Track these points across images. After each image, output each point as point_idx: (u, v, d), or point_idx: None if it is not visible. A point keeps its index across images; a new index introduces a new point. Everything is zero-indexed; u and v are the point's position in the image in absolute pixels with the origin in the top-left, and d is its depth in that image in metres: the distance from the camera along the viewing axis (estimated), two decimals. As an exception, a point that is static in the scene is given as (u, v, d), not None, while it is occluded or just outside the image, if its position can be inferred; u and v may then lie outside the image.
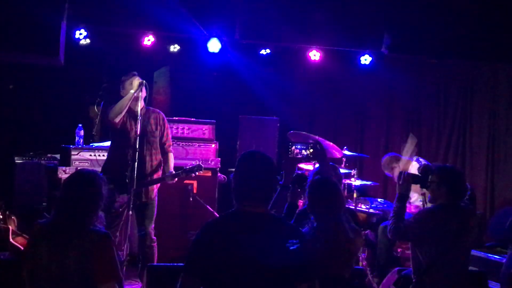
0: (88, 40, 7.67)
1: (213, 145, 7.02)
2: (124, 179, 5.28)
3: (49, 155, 7.36)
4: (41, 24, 6.23)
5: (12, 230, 5.69)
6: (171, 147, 5.77)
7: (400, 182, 4.30)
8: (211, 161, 6.91)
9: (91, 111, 8.16)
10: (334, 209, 3.81)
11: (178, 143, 6.87)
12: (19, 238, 5.64)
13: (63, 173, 6.52)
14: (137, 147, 5.26)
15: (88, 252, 3.08)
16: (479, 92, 9.06)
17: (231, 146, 8.06)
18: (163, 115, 5.71)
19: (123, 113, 5.37)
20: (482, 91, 9.03)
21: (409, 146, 6.76)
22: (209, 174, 6.88)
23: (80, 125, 7.22)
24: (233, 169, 3.03)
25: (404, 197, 4.29)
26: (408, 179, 4.30)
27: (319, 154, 4.30)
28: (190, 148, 6.95)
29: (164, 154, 5.69)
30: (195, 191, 6.72)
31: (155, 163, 5.58)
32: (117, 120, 5.36)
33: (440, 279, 4.03)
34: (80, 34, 7.52)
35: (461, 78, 9.13)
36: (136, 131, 5.34)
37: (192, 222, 6.56)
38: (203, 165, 5.68)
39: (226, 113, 8.23)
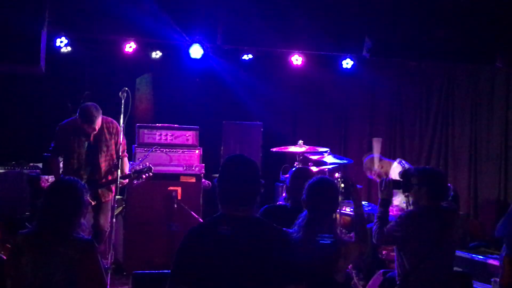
0: (69, 48, 7.63)
1: (197, 151, 7.01)
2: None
3: (31, 164, 7.29)
4: (21, 33, 6.18)
5: (-6, 240, 5.64)
6: (125, 152, 6.01)
7: (382, 188, 4.32)
8: (195, 167, 6.90)
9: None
10: (329, 210, 3.82)
11: (162, 149, 6.85)
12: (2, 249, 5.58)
13: (46, 182, 6.48)
14: (89, 153, 5.76)
15: (73, 260, 3.06)
16: (460, 93, 9.14)
17: (215, 151, 8.06)
18: (117, 124, 5.90)
19: None
20: (463, 92, 9.11)
21: (376, 148, 6.86)
22: (193, 180, 6.86)
23: (63, 133, 7.16)
24: (217, 175, 3.03)
25: (387, 202, 4.32)
26: (389, 184, 4.33)
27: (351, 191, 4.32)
28: (174, 155, 6.93)
29: (119, 159, 5.86)
30: (179, 197, 6.70)
31: (108, 167, 5.87)
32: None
33: (424, 281, 4.05)
34: (61, 42, 7.48)
35: (442, 80, 9.22)
36: (87, 145, 5.80)
37: (177, 228, 6.54)
38: (153, 167, 5.98)
39: (209, 119, 8.23)
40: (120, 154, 5.88)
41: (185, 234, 2.92)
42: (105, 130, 5.86)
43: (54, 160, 5.98)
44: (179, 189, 6.73)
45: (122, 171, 5.79)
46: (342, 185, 4.24)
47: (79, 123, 5.74)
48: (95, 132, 5.76)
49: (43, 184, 6.48)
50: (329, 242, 3.66)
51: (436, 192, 4.21)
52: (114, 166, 5.82)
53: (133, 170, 5.91)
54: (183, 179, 6.85)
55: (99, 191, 5.82)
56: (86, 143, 5.81)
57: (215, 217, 2.97)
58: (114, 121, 5.95)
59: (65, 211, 3.16)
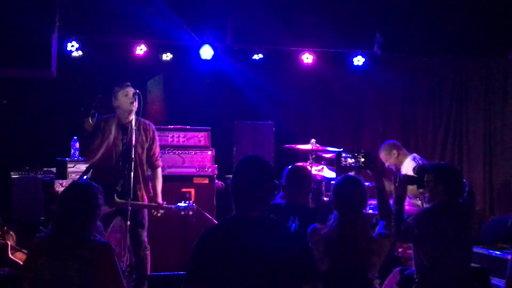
0: (80, 52, 7.66)
1: (209, 152, 6.99)
2: (109, 190, 5.09)
3: (45, 168, 7.33)
4: (31, 37, 6.21)
5: (10, 245, 5.66)
6: (158, 161, 5.63)
7: (396, 184, 4.29)
8: (208, 168, 6.89)
9: (85, 123, 8.10)
10: (355, 206, 3.81)
11: (174, 151, 6.83)
12: (18, 254, 5.61)
13: (60, 187, 6.48)
14: (132, 156, 5.16)
15: (89, 263, 3.05)
16: (473, 87, 9.08)
17: (228, 152, 8.04)
18: (154, 127, 5.59)
19: (100, 152, 5.28)
20: (476, 86, 9.05)
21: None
22: (207, 181, 6.85)
23: (75, 137, 7.19)
24: (230, 176, 3.02)
25: (401, 199, 4.27)
26: (404, 181, 4.29)
27: (371, 164, 4.30)
28: (187, 156, 6.91)
29: (153, 169, 5.58)
30: (193, 198, 6.69)
31: (142, 175, 5.45)
32: (94, 159, 5.33)
33: (443, 278, 4.02)
34: (72, 46, 7.51)
35: (455, 75, 9.16)
36: (125, 143, 5.30)
37: (191, 230, 6.53)
38: (195, 206, 5.59)
39: (221, 120, 8.21)
40: (153, 163, 5.57)
41: (199, 235, 2.92)
42: (142, 132, 5.43)
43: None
44: (192, 190, 6.71)
45: (154, 187, 5.53)
46: (362, 159, 4.22)
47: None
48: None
49: (57, 188, 6.48)
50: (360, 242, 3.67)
51: (453, 189, 4.18)
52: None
53: (176, 206, 5.50)
54: (196, 180, 6.83)
55: (138, 193, 5.35)
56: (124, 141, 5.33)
57: (229, 218, 2.97)
58: (152, 124, 5.59)
59: (80, 215, 3.16)
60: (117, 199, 5.20)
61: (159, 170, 5.64)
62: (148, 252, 5.49)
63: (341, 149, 6.90)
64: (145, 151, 5.46)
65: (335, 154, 6.95)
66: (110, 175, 5.25)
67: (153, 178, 5.58)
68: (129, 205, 5.10)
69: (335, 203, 3.80)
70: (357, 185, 3.85)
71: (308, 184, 4.61)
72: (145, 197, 5.51)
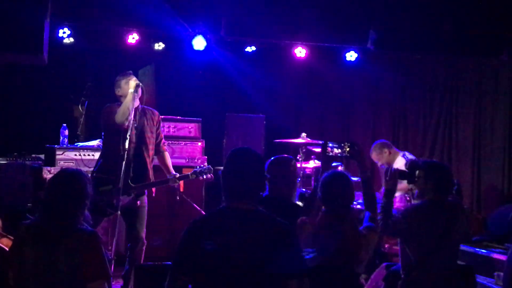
0: (71, 39, 7.61)
1: (200, 143, 6.99)
2: (125, 178, 5.13)
3: (33, 155, 7.26)
4: (24, 23, 6.16)
5: (-4, 231, 5.62)
6: (165, 146, 5.69)
7: (387, 178, 4.30)
8: (197, 159, 6.88)
9: (75, 111, 8.08)
10: (343, 201, 3.82)
11: (164, 141, 6.82)
12: (4, 240, 5.52)
13: (48, 173, 6.45)
14: (135, 143, 5.22)
15: (76, 251, 3.04)
16: (464, 86, 9.12)
17: (218, 144, 8.03)
18: (158, 114, 5.62)
19: (131, 115, 5.25)
20: (468, 85, 9.09)
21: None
22: (196, 172, 6.84)
23: (65, 124, 7.15)
24: (220, 167, 3.02)
25: (391, 193, 4.30)
26: (395, 175, 4.31)
27: (356, 154, 4.28)
28: (177, 147, 6.91)
29: (160, 153, 5.60)
30: (182, 189, 6.68)
31: (150, 162, 5.48)
32: (126, 123, 5.23)
33: (429, 274, 4.03)
34: (64, 33, 7.47)
35: (447, 73, 9.18)
36: (135, 127, 5.30)
37: (179, 221, 6.53)
38: (211, 167, 5.59)
39: (212, 111, 8.20)
40: (161, 147, 5.59)
41: (187, 226, 2.91)
42: (148, 119, 5.47)
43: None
44: (181, 181, 6.71)
45: (165, 164, 5.57)
46: (348, 149, 4.22)
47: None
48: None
49: (45, 175, 6.46)
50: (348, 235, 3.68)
51: (443, 186, 4.19)
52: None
53: (193, 171, 5.50)
54: (185, 171, 6.81)
55: (149, 176, 5.40)
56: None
57: (218, 209, 2.96)
58: (156, 111, 5.61)
59: (68, 203, 3.14)
60: (132, 185, 5.21)
61: (167, 154, 5.66)
62: (144, 248, 5.45)
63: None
64: (154, 135, 5.50)
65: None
66: (120, 162, 5.17)
67: (162, 158, 5.60)
68: (119, 196, 5.08)
69: (324, 198, 3.81)
70: (345, 180, 3.86)
71: (292, 176, 4.52)
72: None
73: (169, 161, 5.63)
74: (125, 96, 5.33)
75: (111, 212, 5.25)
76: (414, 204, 4.73)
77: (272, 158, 4.48)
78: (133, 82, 5.35)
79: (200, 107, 8.03)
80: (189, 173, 5.51)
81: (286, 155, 4.52)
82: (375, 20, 7.77)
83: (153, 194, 5.59)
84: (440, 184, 4.18)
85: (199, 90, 8.44)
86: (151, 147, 5.46)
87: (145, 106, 5.54)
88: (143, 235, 5.42)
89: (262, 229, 2.86)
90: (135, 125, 5.31)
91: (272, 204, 3.69)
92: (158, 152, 5.59)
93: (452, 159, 9.01)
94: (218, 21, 7.67)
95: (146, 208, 5.45)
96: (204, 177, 5.53)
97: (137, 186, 5.28)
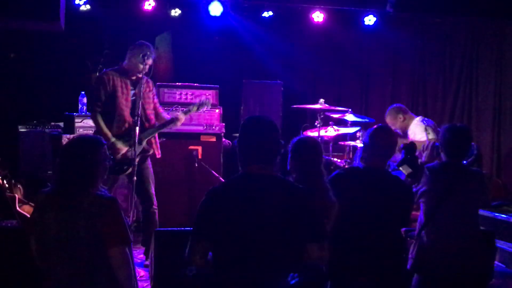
0: (88, 6, 7.60)
1: (217, 110, 6.97)
2: (125, 136, 5.36)
3: (52, 123, 7.33)
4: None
5: (18, 198, 5.69)
6: (161, 109, 5.86)
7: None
8: (215, 127, 6.87)
9: (93, 78, 8.10)
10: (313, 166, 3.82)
11: (182, 108, 6.80)
12: (26, 206, 5.64)
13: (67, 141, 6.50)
14: (139, 109, 5.30)
15: (96, 217, 3.05)
16: (485, 49, 8.98)
17: (235, 111, 8.00)
18: (152, 82, 5.77)
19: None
20: (488, 47, 8.95)
21: None
22: (214, 139, 6.86)
23: (83, 92, 7.18)
24: (238, 134, 3.01)
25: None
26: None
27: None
28: (194, 114, 6.87)
29: (158, 114, 5.75)
30: (200, 156, 6.70)
31: (153, 122, 5.65)
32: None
33: (440, 234, 3.99)
34: (80, 0, 7.44)
35: (466, 36, 9.03)
36: (134, 94, 5.44)
37: (198, 187, 6.56)
38: (210, 99, 5.96)
39: (229, 78, 8.15)
40: (158, 109, 5.77)
41: (206, 193, 2.92)
42: (145, 85, 5.59)
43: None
44: (199, 148, 6.72)
45: (167, 120, 5.72)
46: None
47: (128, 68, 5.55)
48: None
49: (64, 143, 6.50)
50: None
51: (454, 148, 4.13)
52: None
53: (193, 105, 5.80)
54: (203, 138, 6.84)
55: (145, 147, 5.51)
56: (132, 92, 5.51)
57: (236, 176, 2.97)
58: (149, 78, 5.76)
59: (83, 169, 3.13)
60: (137, 147, 5.30)
61: (165, 113, 5.85)
62: (156, 209, 5.56)
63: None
64: (152, 101, 5.66)
65: (343, 114, 6.91)
66: (125, 126, 5.41)
67: (162, 118, 5.74)
68: (135, 162, 5.16)
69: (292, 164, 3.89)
70: (312, 144, 3.94)
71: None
72: (158, 143, 5.69)
73: (166, 115, 5.82)
74: (130, 69, 5.47)
75: (126, 168, 5.36)
76: (428, 164, 4.66)
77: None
78: (149, 61, 5.47)
79: (217, 74, 7.98)
80: (190, 106, 5.77)
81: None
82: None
83: (158, 156, 5.75)
84: (451, 146, 4.12)
85: (216, 56, 8.39)
86: (151, 111, 5.63)
87: (145, 77, 5.59)
88: (153, 194, 5.58)
89: (281, 193, 2.86)
90: (135, 93, 5.45)
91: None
92: (158, 114, 5.73)
93: (472, 124, 8.92)
94: (235, -15, 7.60)
95: (151, 170, 5.65)
96: (205, 108, 5.85)
97: (148, 132, 5.48)
